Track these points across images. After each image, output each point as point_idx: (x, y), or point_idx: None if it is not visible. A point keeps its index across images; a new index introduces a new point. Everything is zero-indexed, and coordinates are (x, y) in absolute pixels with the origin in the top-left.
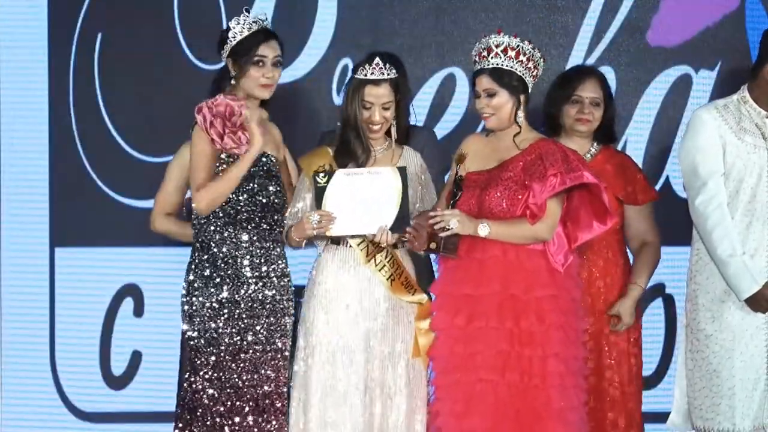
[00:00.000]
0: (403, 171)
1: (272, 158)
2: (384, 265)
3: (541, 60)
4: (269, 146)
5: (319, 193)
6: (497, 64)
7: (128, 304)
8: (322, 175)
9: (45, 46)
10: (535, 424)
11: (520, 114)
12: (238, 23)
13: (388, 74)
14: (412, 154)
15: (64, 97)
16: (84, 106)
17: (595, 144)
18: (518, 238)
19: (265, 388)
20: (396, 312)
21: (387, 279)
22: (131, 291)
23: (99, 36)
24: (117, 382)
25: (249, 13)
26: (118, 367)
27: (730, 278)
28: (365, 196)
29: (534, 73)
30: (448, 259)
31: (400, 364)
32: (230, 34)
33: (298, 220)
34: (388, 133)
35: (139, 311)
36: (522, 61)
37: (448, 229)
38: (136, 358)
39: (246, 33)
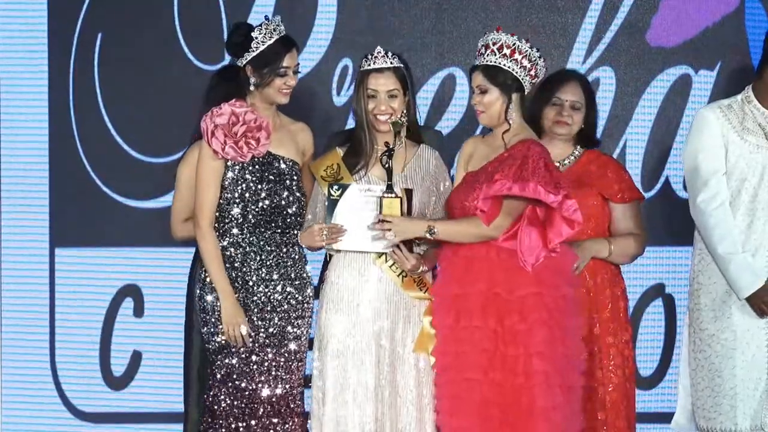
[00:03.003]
0: (408, 193)
1: (287, 161)
2: (394, 262)
3: (540, 60)
4: (284, 149)
5: (331, 206)
6: (491, 62)
7: (128, 304)
8: (336, 187)
9: (45, 46)
10: (519, 423)
11: (511, 112)
12: (261, 32)
13: (391, 62)
14: (429, 153)
15: (64, 97)
16: (84, 106)
17: (578, 147)
18: (467, 236)
19: (279, 390)
20: (407, 311)
21: (398, 276)
22: (131, 291)
23: (99, 36)
24: (117, 383)
25: (269, 20)
26: (118, 367)
27: (731, 275)
28: (375, 214)
29: (531, 72)
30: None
31: (410, 364)
32: (253, 44)
33: (309, 227)
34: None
35: (139, 311)
36: (517, 59)
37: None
38: (136, 358)
39: (268, 42)
